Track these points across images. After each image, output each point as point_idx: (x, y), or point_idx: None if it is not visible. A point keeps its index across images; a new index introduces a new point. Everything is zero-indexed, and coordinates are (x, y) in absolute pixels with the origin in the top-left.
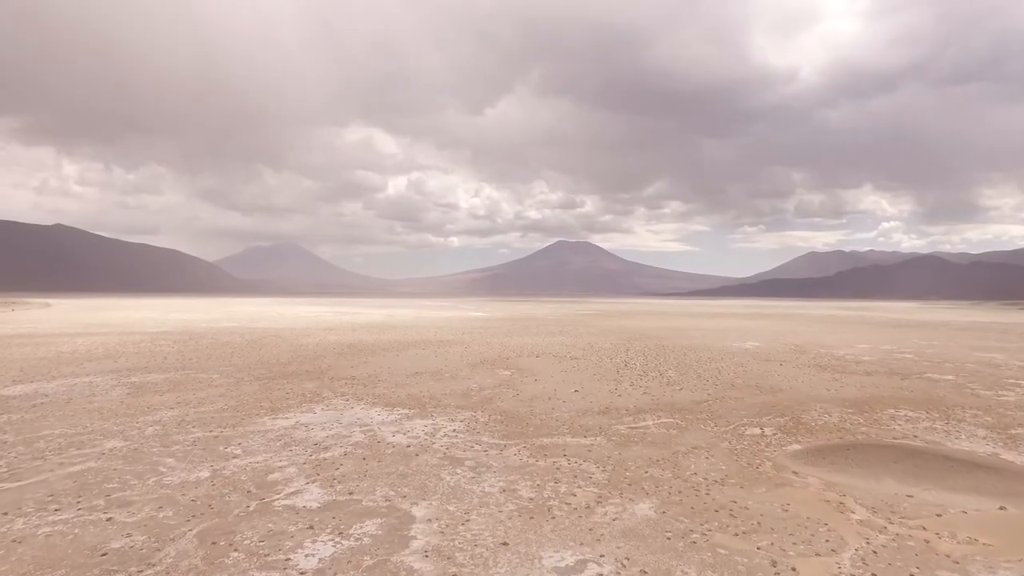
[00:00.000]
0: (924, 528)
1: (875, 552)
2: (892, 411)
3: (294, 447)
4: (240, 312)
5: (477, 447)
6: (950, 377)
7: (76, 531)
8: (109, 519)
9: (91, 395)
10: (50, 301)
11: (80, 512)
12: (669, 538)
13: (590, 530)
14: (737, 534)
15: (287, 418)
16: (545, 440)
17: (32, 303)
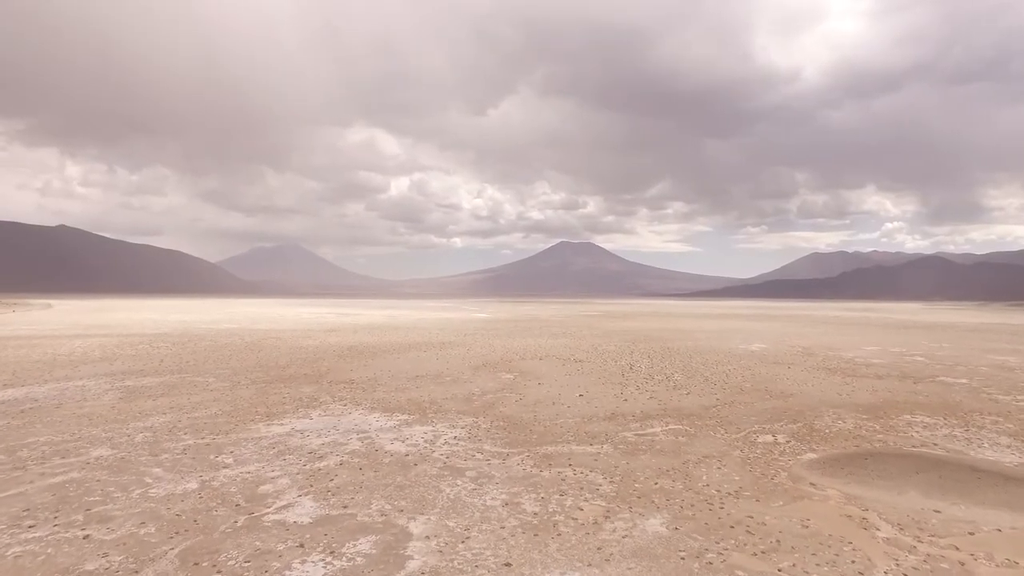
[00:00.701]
0: (957, 548)
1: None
2: (908, 417)
3: (288, 456)
4: (241, 313)
5: (479, 456)
6: (964, 381)
7: (49, 551)
8: (86, 537)
9: (82, 400)
10: (52, 302)
11: (56, 529)
12: (683, 558)
13: (598, 549)
14: (755, 554)
15: (282, 424)
16: (549, 448)
17: (34, 304)
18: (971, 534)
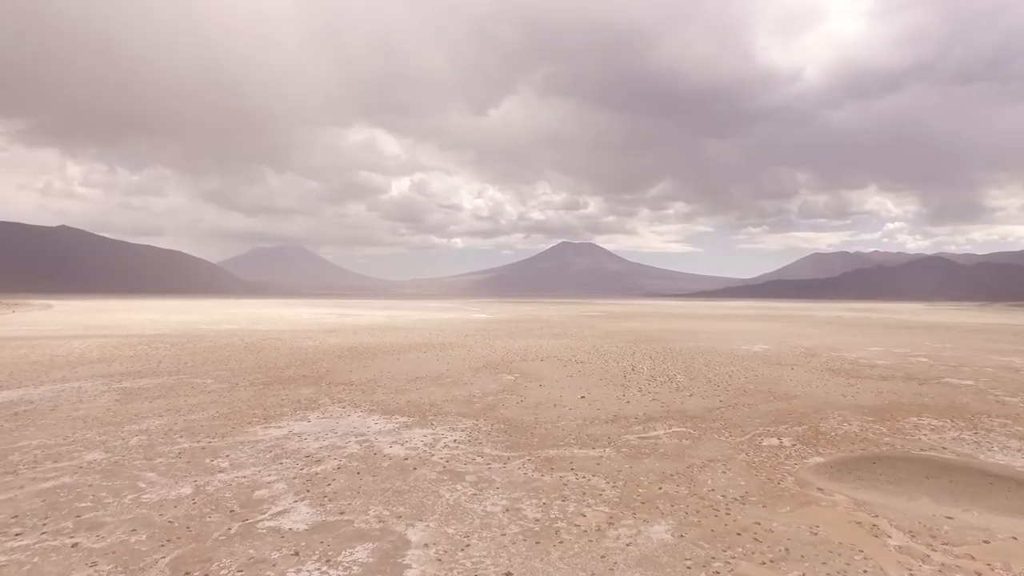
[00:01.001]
0: (972, 557)
1: None
2: (915, 419)
3: (285, 460)
4: (242, 314)
5: (479, 460)
6: (969, 382)
7: (35, 560)
8: (75, 545)
9: (78, 402)
10: (52, 302)
11: (44, 537)
12: (689, 567)
13: (602, 557)
14: (764, 563)
15: (280, 427)
16: (551, 452)
17: (34, 304)
18: (986, 542)
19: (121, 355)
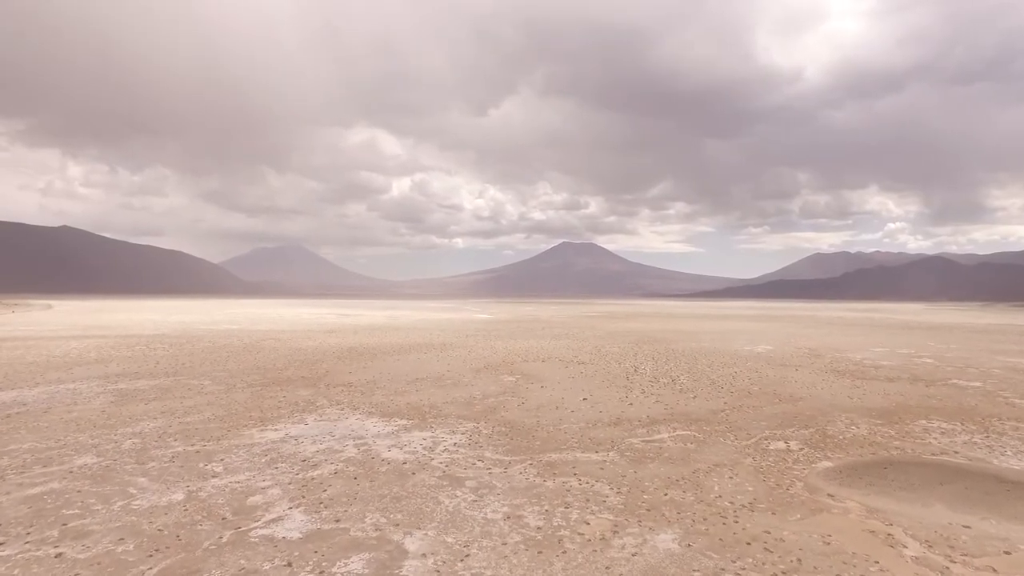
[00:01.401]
0: (994, 570)
1: None
2: (924, 422)
3: (280, 464)
4: (242, 314)
5: (479, 464)
6: (977, 384)
7: (15, 572)
8: (58, 555)
9: (72, 403)
10: (52, 303)
11: (27, 547)
12: None
13: (607, 568)
14: (775, 574)
15: (276, 430)
16: (553, 456)
17: (34, 304)
18: (1007, 553)
19: (119, 356)
